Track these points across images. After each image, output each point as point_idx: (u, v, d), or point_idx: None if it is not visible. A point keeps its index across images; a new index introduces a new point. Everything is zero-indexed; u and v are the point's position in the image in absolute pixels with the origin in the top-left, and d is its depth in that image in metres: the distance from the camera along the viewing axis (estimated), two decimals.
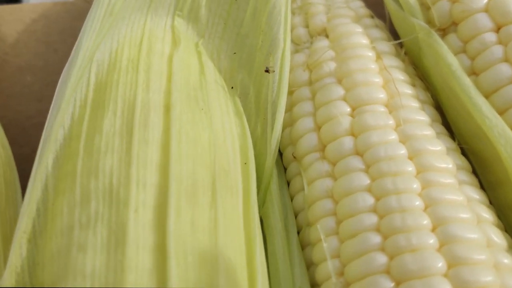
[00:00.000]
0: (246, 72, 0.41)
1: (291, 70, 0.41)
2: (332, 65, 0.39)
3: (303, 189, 0.37)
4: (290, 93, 0.41)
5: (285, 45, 0.40)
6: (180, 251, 0.27)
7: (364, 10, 0.44)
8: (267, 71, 0.39)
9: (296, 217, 0.37)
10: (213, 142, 0.33)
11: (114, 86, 0.34)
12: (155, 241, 0.27)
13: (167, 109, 0.32)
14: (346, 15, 0.43)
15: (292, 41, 0.44)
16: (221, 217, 0.30)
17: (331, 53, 0.40)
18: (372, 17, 0.44)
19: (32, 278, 0.27)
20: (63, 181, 0.30)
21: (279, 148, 0.39)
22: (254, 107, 0.40)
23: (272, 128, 0.38)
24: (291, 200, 0.38)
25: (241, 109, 0.39)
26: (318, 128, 0.38)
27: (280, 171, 0.40)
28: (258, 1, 0.41)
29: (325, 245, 0.32)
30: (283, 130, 0.40)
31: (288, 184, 0.39)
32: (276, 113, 0.39)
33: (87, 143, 0.31)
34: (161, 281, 0.26)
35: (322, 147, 0.37)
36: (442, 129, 0.37)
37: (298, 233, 0.36)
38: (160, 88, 0.34)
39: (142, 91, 0.33)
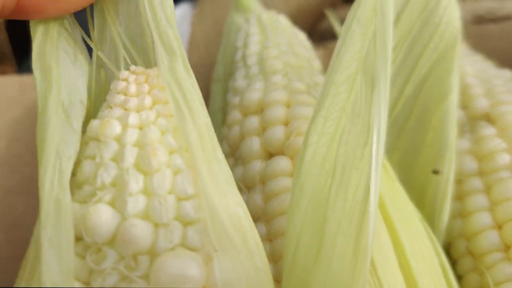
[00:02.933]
0: (406, 168, 0.41)
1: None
2: (506, 158, 0.39)
3: (481, 287, 0.37)
4: (457, 181, 0.41)
5: (453, 145, 0.39)
6: None
7: None
8: (435, 172, 0.39)
9: None
10: (429, 253, 0.33)
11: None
12: None
13: (387, 220, 0.32)
14: (511, 101, 0.42)
15: None
16: None
17: (502, 143, 0.40)
18: None
19: None
20: None
21: None
22: (415, 203, 0.40)
23: (438, 225, 0.39)
24: None
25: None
26: (498, 225, 0.37)
27: None
28: (428, 101, 0.40)
29: None
30: (448, 220, 0.40)
31: (459, 277, 0.39)
32: (442, 212, 0.39)
33: None
34: None
35: (506, 248, 0.36)
36: None
37: None
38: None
39: None
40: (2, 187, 0.50)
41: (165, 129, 0.27)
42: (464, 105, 0.44)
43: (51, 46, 0.29)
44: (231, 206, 0.25)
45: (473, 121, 0.43)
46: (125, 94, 0.28)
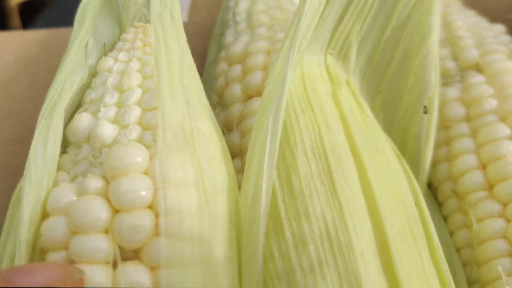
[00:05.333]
0: (389, 111, 0.42)
1: (443, 104, 0.42)
2: (493, 103, 0.40)
3: (465, 226, 0.38)
4: (444, 127, 0.41)
5: (435, 86, 0.40)
6: None
7: None
8: (425, 112, 0.39)
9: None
10: (398, 185, 0.34)
11: (296, 125, 0.34)
12: (388, 286, 0.28)
13: (355, 152, 0.33)
14: (500, 51, 0.43)
15: None
16: (426, 262, 0.30)
17: (489, 90, 0.41)
18: None
19: None
20: None
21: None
22: (398, 144, 0.40)
23: (422, 164, 0.39)
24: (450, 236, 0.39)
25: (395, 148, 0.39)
26: (483, 166, 0.38)
27: (429, 205, 0.40)
28: (409, 45, 0.41)
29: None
30: (435, 165, 0.41)
31: (445, 219, 0.40)
32: (426, 151, 0.39)
33: (283, 184, 0.32)
34: None
35: (489, 186, 0.37)
36: None
37: None
38: (339, 129, 0.34)
39: (325, 133, 0.34)
40: (4, 138, 0.52)
41: (146, 63, 0.34)
42: (455, 56, 0.45)
43: (93, 5, 0.36)
44: (182, 115, 0.30)
45: (464, 71, 0.44)
46: (124, 41, 0.36)
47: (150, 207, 0.28)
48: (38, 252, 0.28)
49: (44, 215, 0.29)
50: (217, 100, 0.44)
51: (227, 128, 0.40)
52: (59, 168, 0.31)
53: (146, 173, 0.29)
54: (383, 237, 0.29)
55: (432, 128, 0.39)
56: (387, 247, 0.29)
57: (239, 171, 0.36)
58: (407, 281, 0.28)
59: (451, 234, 0.39)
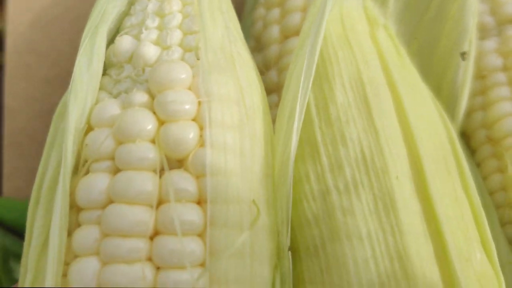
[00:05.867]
0: (425, 57, 0.42)
1: (479, 55, 0.42)
2: None
3: (498, 170, 0.38)
4: (480, 77, 0.41)
5: (473, 31, 0.40)
6: (447, 220, 0.28)
7: None
8: (463, 58, 0.40)
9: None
10: (433, 120, 0.34)
11: (334, 60, 0.35)
12: (422, 208, 0.28)
13: (392, 86, 0.33)
14: None
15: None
16: (459, 192, 0.31)
17: None
18: None
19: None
20: (298, 149, 0.32)
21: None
22: (433, 90, 0.41)
23: (457, 110, 0.40)
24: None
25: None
26: None
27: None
28: None
29: None
30: (469, 115, 0.41)
31: (478, 165, 0.40)
32: (462, 96, 0.40)
33: (321, 113, 0.32)
34: (439, 245, 0.28)
35: None
36: None
37: None
38: (377, 66, 0.35)
39: (363, 67, 0.34)
40: (43, 78, 0.53)
41: None
42: (493, 11, 0.45)
43: None
44: (222, 38, 0.31)
45: (501, 25, 0.44)
46: None
47: (194, 119, 0.29)
48: (82, 162, 0.29)
49: (88, 129, 0.30)
50: (255, 45, 0.44)
51: (265, 67, 0.40)
52: (100, 88, 0.31)
53: (190, 89, 0.29)
54: (418, 163, 0.30)
55: (469, 74, 0.39)
56: (421, 172, 0.30)
57: (276, 105, 0.36)
58: (441, 205, 0.29)
59: (484, 179, 0.39)
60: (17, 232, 0.47)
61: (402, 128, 0.32)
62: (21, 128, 0.52)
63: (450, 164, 0.33)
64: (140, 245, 0.25)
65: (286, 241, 0.28)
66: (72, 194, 0.28)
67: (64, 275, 0.26)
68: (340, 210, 0.29)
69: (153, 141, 0.28)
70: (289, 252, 0.28)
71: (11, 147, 0.51)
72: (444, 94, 0.41)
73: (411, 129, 0.31)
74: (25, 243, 0.29)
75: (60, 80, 0.52)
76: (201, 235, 0.26)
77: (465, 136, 0.42)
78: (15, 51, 0.52)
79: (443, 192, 0.30)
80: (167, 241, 0.25)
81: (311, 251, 0.29)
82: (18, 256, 0.46)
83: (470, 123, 0.41)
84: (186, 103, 0.28)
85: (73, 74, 0.31)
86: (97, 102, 0.31)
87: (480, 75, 0.42)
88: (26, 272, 0.27)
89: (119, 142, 0.28)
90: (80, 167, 0.29)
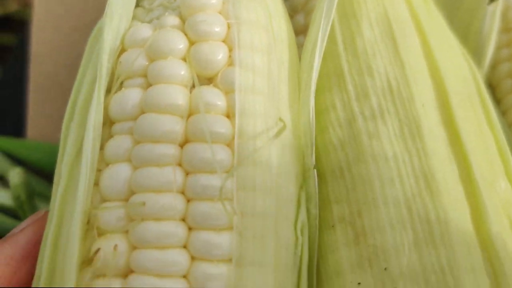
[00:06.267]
0: (451, 7, 0.42)
1: (506, 9, 0.42)
2: None
3: None
4: (506, 30, 0.41)
5: None
6: (473, 148, 0.29)
7: None
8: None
9: None
10: (458, 61, 0.34)
11: (362, 1, 0.35)
12: (447, 135, 0.29)
13: (418, 25, 0.34)
14: None
15: None
16: (484, 127, 0.31)
17: None
18: None
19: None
20: (323, 79, 0.32)
21: None
22: (459, 40, 0.41)
23: (483, 59, 0.40)
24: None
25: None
26: None
27: None
28: None
29: None
30: (495, 66, 0.41)
31: (503, 114, 0.40)
32: (488, 47, 0.40)
33: (348, 47, 0.33)
34: (464, 168, 0.28)
35: None
36: None
37: None
38: (404, 7, 0.35)
39: (390, 7, 0.35)
40: (71, 26, 0.54)
41: None
42: None
43: None
44: None
45: None
46: None
47: (224, 41, 0.29)
48: (115, 79, 0.30)
49: (122, 50, 0.30)
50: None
51: (293, 11, 0.41)
52: (133, 18, 0.32)
53: (220, 13, 0.30)
54: (444, 96, 0.30)
55: (495, 24, 0.39)
56: (447, 103, 0.30)
57: (302, 45, 0.37)
58: (467, 134, 0.29)
59: (510, 126, 0.39)
60: (41, 172, 0.49)
61: (428, 64, 0.32)
62: (47, 74, 0.53)
63: (475, 102, 0.33)
64: (171, 150, 0.26)
65: (311, 161, 0.29)
66: (105, 109, 0.28)
67: (96, 183, 0.27)
68: (366, 135, 0.29)
69: (184, 59, 0.28)
70: (315, 171, 0.29)
71: (37, 92, 0.52)
72: (470, 44, 0.41)
73: (437, 65, 0.32)
74: (59, 154, 0.29)
75: (87, 30, 0.52)
76: (229, 144, 0.27)
77: (491, 87, 0.43)
78: (44, 1, 0.53)
79: (469, 125, 0.30)
80: (197, 148, 0.26)
81: (336, 174, 0.30)
82: (42, 195, 0.47)
83: (495, 74, 0.41)
84: (216, 25, 0.29)
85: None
86: (130, 28, 0.31)
87: (507, 28, 0.42)
88: (59, 179, 0.28)
89: (151, 60, 0.29)
90: (114, 84, 0.30)
